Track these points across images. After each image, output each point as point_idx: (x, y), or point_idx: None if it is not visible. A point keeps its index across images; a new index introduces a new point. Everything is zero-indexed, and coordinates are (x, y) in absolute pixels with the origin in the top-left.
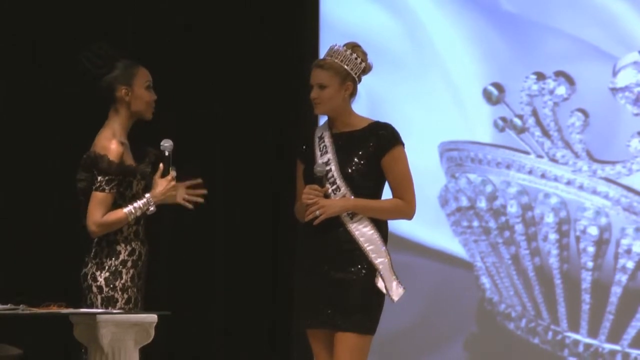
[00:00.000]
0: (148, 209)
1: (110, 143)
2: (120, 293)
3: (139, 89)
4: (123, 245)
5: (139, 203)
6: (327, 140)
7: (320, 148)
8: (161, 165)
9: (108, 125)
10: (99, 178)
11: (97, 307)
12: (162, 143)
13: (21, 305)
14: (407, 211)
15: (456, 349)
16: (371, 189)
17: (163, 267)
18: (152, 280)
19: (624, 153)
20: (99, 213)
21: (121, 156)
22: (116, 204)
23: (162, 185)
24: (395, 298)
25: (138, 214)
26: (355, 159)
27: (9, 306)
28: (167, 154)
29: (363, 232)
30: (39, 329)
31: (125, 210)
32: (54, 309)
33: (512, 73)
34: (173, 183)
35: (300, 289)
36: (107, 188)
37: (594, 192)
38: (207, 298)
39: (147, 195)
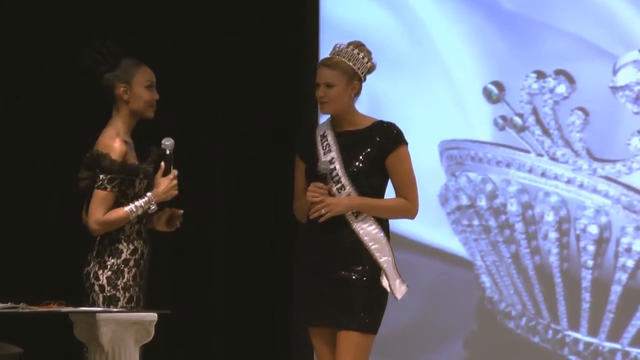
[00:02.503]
0: (149, 207)
1: (114, 142)
2: (122, 292)
3: (138, 87)
4: (125, 244)
5: (140, 202)
6: (331, 139)
7: (323, 147)
8: (162, 164)
9: (111, 124)
10: (101, 176)
11: (99, 306)
12: (163, 142)
13: (21, 304)
14: (410, 210)
15: (456, 348)
16: (375, 188)
17: (163, 266)
18: (152, 278)
19: (624, 152)
20: (101, 211)
21: (124, 155)
22: (118, 203)
23: (164, 184)
24: (399, 296)
25: (139, 212)
26: (360, 158)
27: (9, 305)
28: (168, 152)
29: (368, 231)
30: (39, 327)
31: (127, 208)
32: (54, 308)
33: (512, 71)
34: (175, 182)
35: (303, 288)
36: (108, 186)
37: (594, 190)
38: (207, 297)
39: (149, 194)
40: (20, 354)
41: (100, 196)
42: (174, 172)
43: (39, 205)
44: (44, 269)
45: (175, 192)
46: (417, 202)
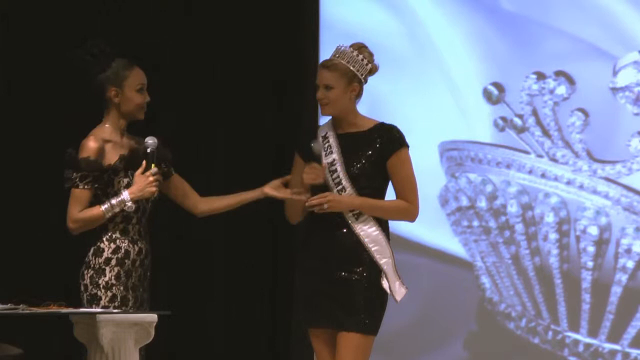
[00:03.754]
0: (125, 205)
1: (88, 140)
2: (103, 291)
3: (129, 91)
4: (107, 243)
5: (115, 200)
6: (332, 141)
7: (324, 148)
8: (144, 162)
9: (100, 124)
10: (74, 175)
11: (84, 306)
12: (146, 140)
13: (21, 305)
14: (411, 212)
15: (456, 349)
16: (376, 190)
17: (163, 266)
18: (152, 279)
19: (624, 153)
20: (75, 209)
21: (95, 153)
22: (100, 202)
23: (140, 181)
24: (398, 298)
25: (116, 210)
26: (361, 160)
27: (9, 306)
28: (149, 151)
29: (368, 233)
30: (39, 328)
31: (102, 207)
32: (54, 309)
33: (512, 72)
34: (151, 179)
35: (304, 289)
36: (81, 184)
37: (594, 191)
38: (207, 298)
39: (124, 192)
40: (21, 355)
41: (74, 194)
42: (153, 170)
43: (39, 205)
44: (44, 270)
45: (153, 190)
46: (418, 205)
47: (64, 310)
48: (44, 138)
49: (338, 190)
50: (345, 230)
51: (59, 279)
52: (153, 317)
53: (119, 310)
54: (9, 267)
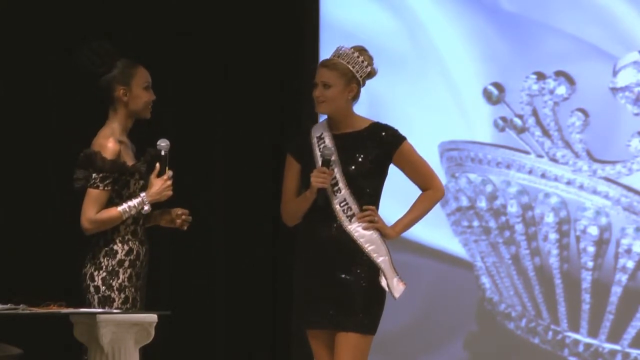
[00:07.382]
0: (142, 208)
1: (107, 141)
2: (117, 293)
3: (137, 89)
4: (120, 245)
5: (133, 202)
6: (328, 141)
7: (320, 148)
8: (157, 164)
9: (107, 124)
10: (94, 175)
11: (94, 307)
12: (158, 142)
13: (21, 305)
14: (438, 196)
15: (456, 349)
16: (372, 189)
17: (163, 267)
18: (152, 280)
19: (624, 153)
20: (93, 210)
21: (117, 154)
22: (113, 203)
23: (158, 184)
24: (397, 295)
25: (132, 212)
26: (358, 159)
27: (9, 306)
28: (163, 153)
29: (362, 233)
30: (39, 328)
31: (120, 208)
32: (54, 309)
33: (512, 73)
34: (169, 183)
35: (302, 290)
36: (101, 185)
37: (594, 191)
38: (207, 298)
39: (142, 194)
40: (21, 355)
41: (92, 195)
42: (169, 173)
43: (39, 205)
44: (44, 270)
45: (170, 193)
46: (439, 182)
47: (64, 310)
48: (43, 138)
49: (334, 191)
50: (340, 232)
51: (59, 279)
52: (153, 317)
53: (119, 310)
54: (9, 267)
